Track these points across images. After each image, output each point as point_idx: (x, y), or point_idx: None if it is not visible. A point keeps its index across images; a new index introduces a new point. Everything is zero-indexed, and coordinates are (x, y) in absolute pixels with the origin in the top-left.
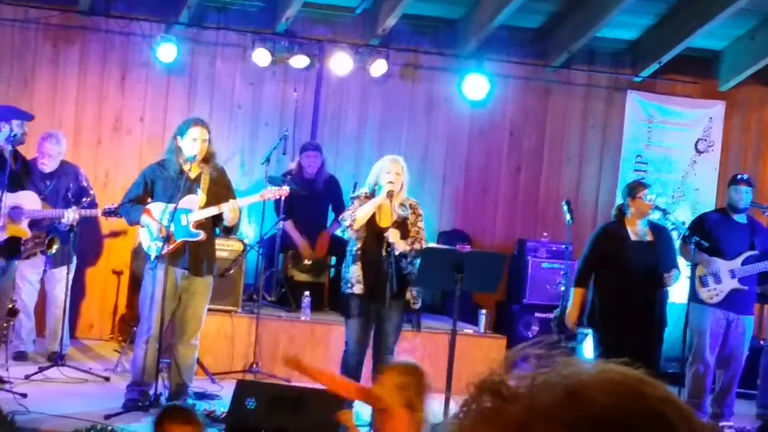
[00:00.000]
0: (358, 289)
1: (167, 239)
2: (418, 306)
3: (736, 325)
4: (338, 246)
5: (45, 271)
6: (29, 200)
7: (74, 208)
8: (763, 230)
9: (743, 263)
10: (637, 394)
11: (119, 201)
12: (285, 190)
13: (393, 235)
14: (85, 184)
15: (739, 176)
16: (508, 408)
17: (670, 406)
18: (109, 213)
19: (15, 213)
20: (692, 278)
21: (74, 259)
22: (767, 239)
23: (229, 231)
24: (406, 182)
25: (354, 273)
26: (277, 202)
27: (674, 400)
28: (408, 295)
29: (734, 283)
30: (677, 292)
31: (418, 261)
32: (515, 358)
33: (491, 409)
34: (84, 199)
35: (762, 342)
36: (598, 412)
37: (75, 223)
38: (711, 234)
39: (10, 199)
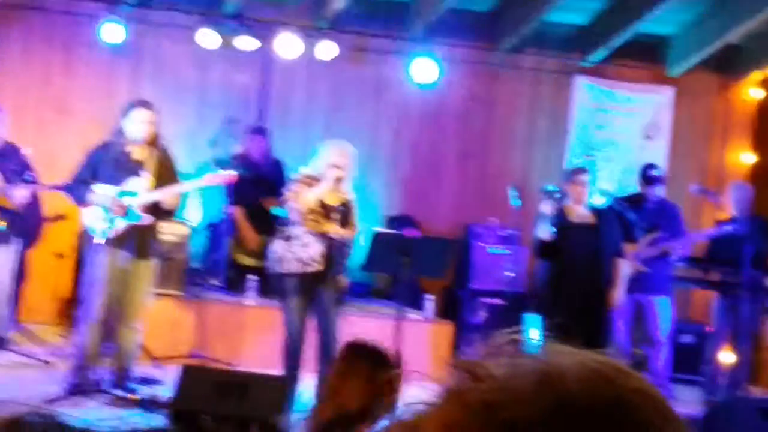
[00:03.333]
0: (319, 266)
1: (112, 222)
2: (346, 284)
3: (650, 307)
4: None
5: None
6: None
7: (22, 186)
8: (670, 211)
9: (647, 245)
10: (609, 382)
11: (68, 183)
12: (232, 175)
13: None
14: (27, 162)
15: (651, 174)
16: (478, 386)
17: (643, 397)
18: (56, 187)
19: None
20: None
21: (20, 240)
22: (672, 220)
23: (169, 215)
24: (352, 170)
25: (317, 251)
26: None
27: (649, 392)
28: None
29: (635, 265)
30: None
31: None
32: (495, 344)
33: (461, 387)
34: (27, 172)
35: (707, 328)
36: (567, 398)
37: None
38: (623, 217)
39: None
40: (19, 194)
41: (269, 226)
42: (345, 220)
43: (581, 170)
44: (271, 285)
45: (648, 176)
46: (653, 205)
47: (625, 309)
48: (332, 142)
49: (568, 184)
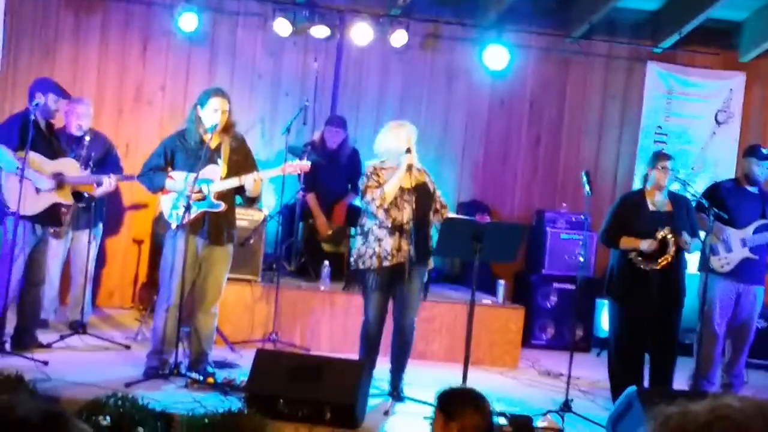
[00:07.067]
0: (396, 259)
1: (188, 208)
2: (429, 268)
3: (747, 295)
4: (356, 216)
5: (72, 239)
6: (70, 167)
7: (111, 174)
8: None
9: (754, 232)
10: None
11: (140, 171)
12: (306, 165)
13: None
14: (112, 149)
15: (762, 151)
16: None
17: None
18: (128, 178)
19: (59, 179)
20: (703, 247)
21: (100, 226)
22: None
23: (252, 201)
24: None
25: (392, 244)
26: None
27: None
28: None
29: (745, 252)
30: (692, 262)
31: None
32: None
33: None
34: (113, 161)
35: None
36: None
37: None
38: (724, 203)
39: (51, 166)
40: (111, 183)
41: (345, 216)
42: (423, 202)
43: (666, 156)
44: (354, 279)
45: (759, 153)
46: (758, 188)
47: (727, 296)
48: (390, 126)
49: (652, 169)
